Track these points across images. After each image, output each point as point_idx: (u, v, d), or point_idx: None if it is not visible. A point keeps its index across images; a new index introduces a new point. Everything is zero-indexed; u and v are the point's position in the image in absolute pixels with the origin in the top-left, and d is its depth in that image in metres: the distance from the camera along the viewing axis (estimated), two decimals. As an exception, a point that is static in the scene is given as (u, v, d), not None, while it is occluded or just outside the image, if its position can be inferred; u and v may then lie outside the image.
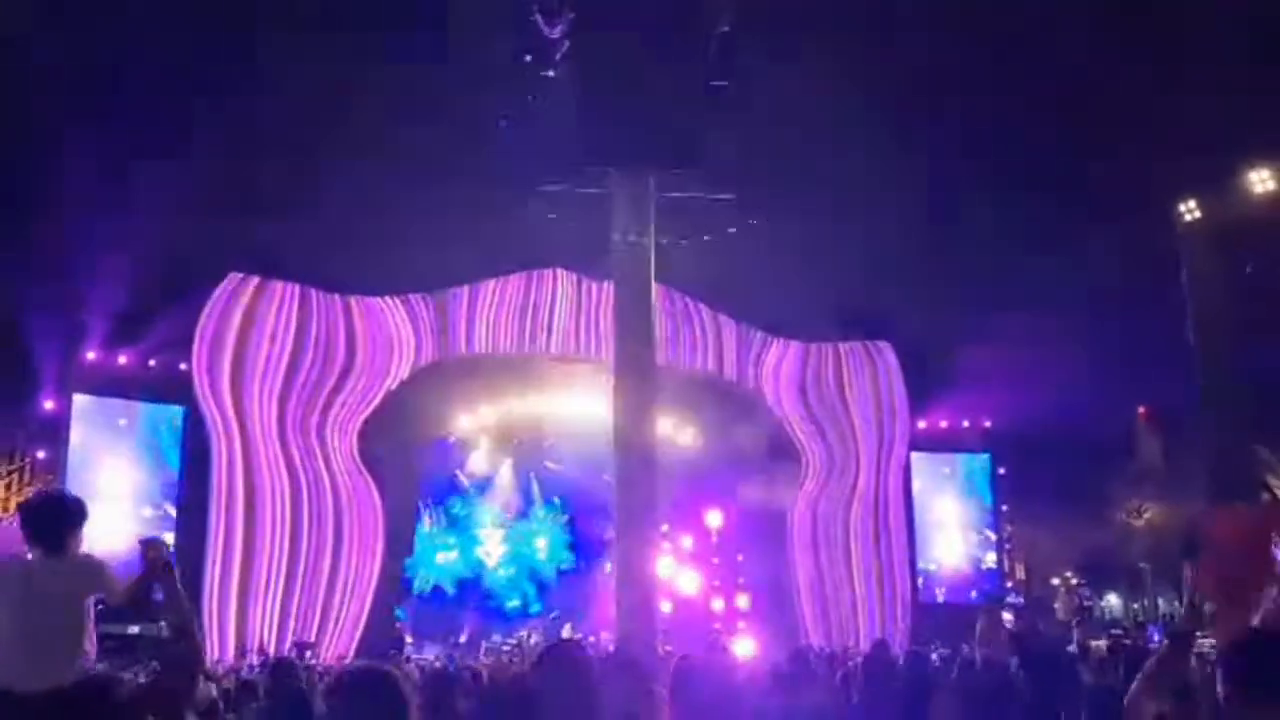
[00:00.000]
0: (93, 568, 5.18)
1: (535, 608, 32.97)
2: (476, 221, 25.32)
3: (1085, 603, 35.16)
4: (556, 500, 33.83)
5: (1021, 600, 32.30)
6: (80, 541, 5.22)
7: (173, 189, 23.02)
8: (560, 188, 14.83)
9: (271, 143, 24.65)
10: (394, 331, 28.44)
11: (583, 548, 33.58)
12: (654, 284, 13.83)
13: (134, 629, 20.70)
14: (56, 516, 5.19)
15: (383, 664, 3.34)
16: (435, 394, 29.24)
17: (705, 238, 18.80)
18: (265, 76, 24.59)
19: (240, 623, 25.45)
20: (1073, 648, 17.60)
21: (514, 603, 33.14)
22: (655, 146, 12.72)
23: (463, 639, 31.14)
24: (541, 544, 33.63)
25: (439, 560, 32.55)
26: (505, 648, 27.26)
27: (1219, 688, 4.41)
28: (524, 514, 33.88)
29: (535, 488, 33.82)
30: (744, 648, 24.85)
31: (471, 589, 33.00)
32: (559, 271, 29.93)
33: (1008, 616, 27.95)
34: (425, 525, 32.16)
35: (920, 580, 32.52)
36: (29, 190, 23.25)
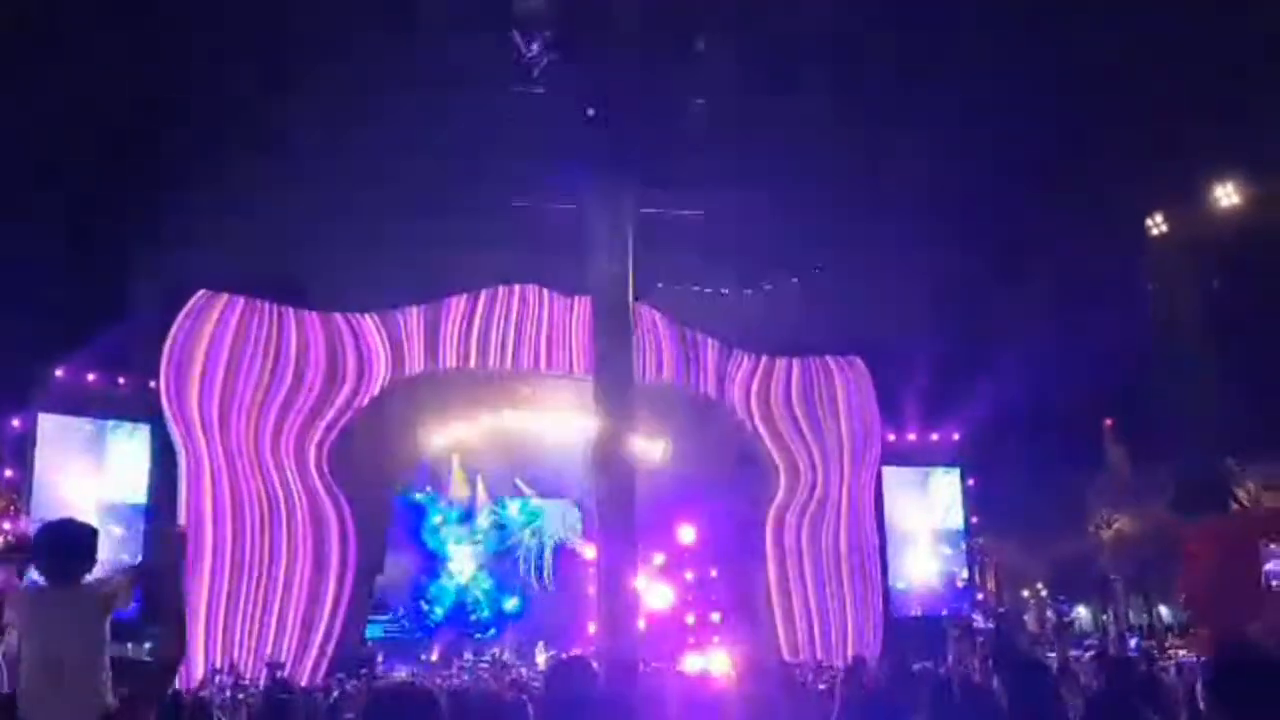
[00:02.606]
0: (101, 589, 5.04)
1: (511, 603, 32.90)
2: (451, 237, 25.27)
3: (1064, 618, 35.39)
4: (528, 517, 33.76)
5: (985, 616, 32.40)
6: (90, 570, 5.07)
7: (143, 206, 22.85)
8: (537, 203, 14.81)
9: (240, 158, 24.49)
10: (366, 348, 28.24)
11: (554, 567, 33.49)
12: (632, 300, 13.78)
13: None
14: (71, 551, 5.04)
15: (423, 683, 3.31)
16: (407, 412, 29.09)
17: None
18: (230, 92, 24.47)
19: (209, 643, 25.14)
20: (1051, 660, 17.65)
21: (484, 613, 32.97)
22: (634, 163, 12.74)
23: (434, 657, 30.93)
24: (517, 564, 33.56)
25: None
26: (482, 665, 27.10)
27: (1201, 702, 4.49)
28: (497, 530, 33.76)
29: (508, 505, 33.70)
30: (718, 663, 24.80)
31: (444, 605, 32.84)
32: (533, 287, 29.84)
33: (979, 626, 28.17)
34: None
35: (892, 594, 32.56)
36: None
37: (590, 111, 11.89)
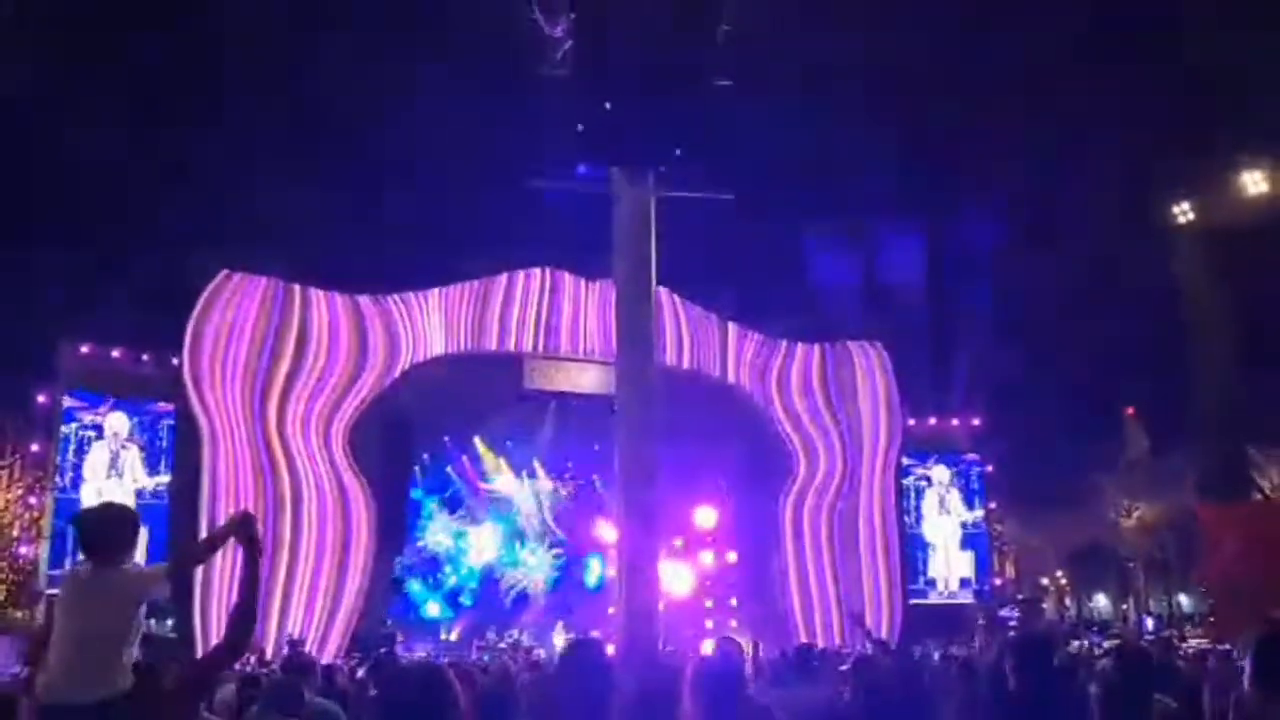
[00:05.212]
0: (143, 578, 5.18)
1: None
2: (474, 218, 25.34)
3: (1064, 611, 35.24)
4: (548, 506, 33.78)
5: (1007, 604, 32.37)
6: (133, 554, 5.20)
7: (170, 184, 22.98)
8: (559, 185, 14.76)
9: (266, 139, 24.62)
10: (392, 330, 28.23)
11: (570, 558, 33.40)
12: (655, 285, 13.74)
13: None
14: (113, 530, 5.16)
15: (437, 662, 3.36)
16: (427, 393, 29.11)
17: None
18: (256, 75, 24.60)
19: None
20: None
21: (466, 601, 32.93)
22: (658, 145, 12.67)
23: (454, 637, 31.06)
24: (530, 559, 33.40)
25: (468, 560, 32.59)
26: (501, 646, 27.20)
27: (1245, 680, 4.45)
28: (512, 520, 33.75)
29: (527, 488, 33.70)
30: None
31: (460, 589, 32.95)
32: (553, 270, 29.77)
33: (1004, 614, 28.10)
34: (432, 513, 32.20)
35: (914, 580, 32.53)
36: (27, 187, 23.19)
37: (608, 105, 11.76)
